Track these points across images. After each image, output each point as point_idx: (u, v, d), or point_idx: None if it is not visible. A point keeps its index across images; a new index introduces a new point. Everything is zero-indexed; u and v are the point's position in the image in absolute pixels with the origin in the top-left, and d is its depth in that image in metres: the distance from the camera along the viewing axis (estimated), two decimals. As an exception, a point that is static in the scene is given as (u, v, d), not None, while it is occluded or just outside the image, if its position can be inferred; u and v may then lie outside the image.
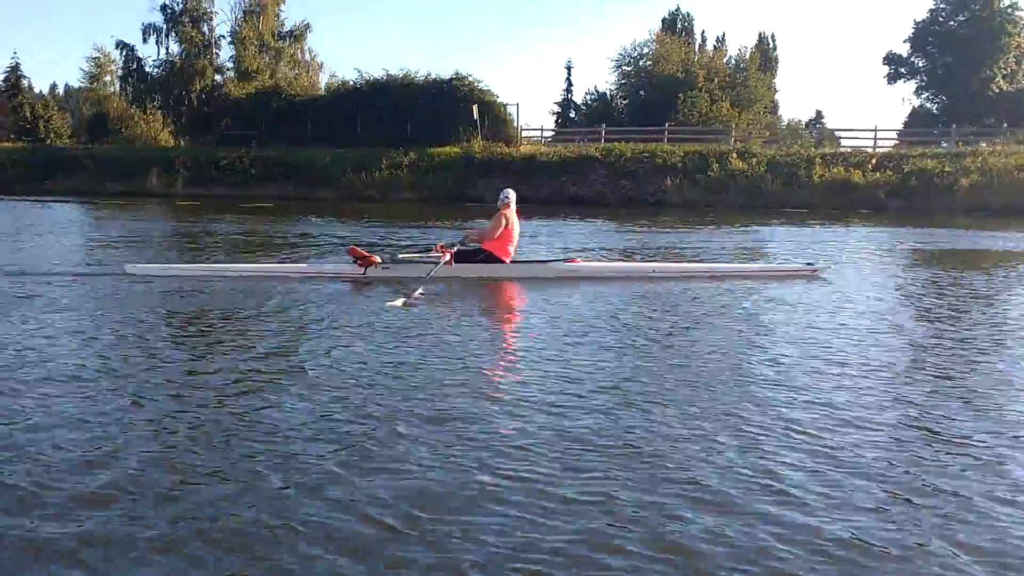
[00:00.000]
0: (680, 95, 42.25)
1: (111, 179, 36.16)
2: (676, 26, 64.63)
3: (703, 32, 64.57)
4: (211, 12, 42.11)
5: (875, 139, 34.00)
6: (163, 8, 41.54)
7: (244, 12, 42.68)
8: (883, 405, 4.95)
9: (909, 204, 27.56)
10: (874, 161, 29.71)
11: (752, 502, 3.48)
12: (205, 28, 42.12)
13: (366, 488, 3.52)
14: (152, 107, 42.06)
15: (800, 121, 65.11)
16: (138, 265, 10.15)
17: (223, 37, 42.97)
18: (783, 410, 4.77)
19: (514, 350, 6.43)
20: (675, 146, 32.92)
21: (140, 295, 8.51)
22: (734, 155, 30.95)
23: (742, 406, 4.84)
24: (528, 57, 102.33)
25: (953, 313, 8.37)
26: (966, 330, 7.42)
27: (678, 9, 64.19)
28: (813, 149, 32.10)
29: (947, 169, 28.42)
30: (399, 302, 8.05)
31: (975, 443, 4.29)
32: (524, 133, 38.68)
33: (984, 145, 30.48)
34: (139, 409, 4.58)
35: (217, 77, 42.03)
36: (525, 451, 4.00)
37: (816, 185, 29.31)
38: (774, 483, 3.69)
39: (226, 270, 10.28)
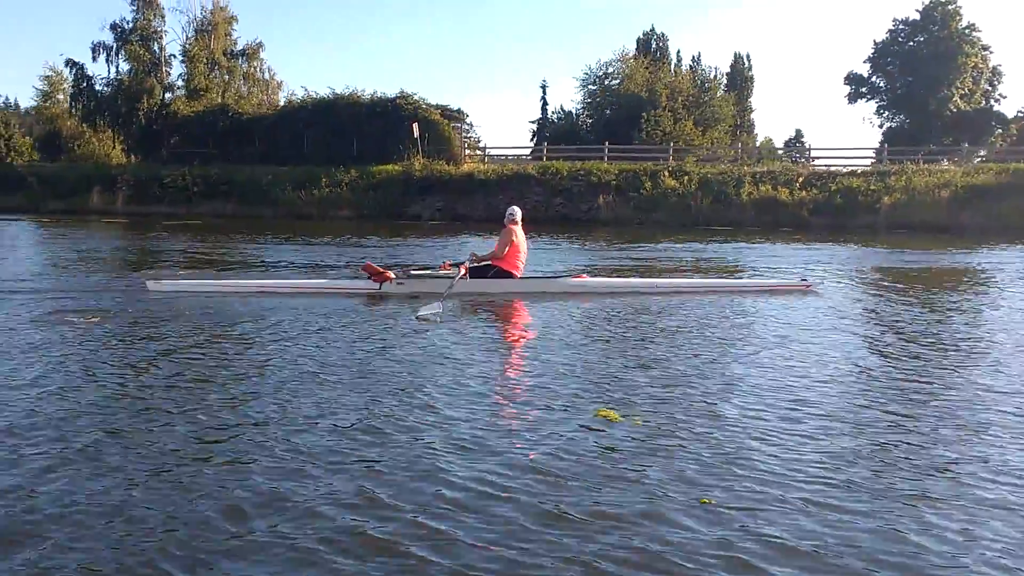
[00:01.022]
0: (644, 114, 42.70)
1: (54, 197, 36.58)
2: (650, 46, 65.44)
3: (678, 52, 65.30)
4: (161, 31, 42.68)
5: (847, 157, 34.64)
6: (113, 27, 42.14)
7: (196, 31, 43.21)
8: (863, 412, 5.22)
9: (832, 222, 28.06)
10: (801, 179, 30.19)
11: (739, 503, 3.69)
12: (155, 47, 42.58)
13: (382, 497, 3.67)
14: (102, 125, 42.46)
15: (771, 140, 65.87)
16: (160, 282, 10.39)
17: (174, 56, 43.51)
18: (781, 417, 5.04)
19: (526, 361, 6.68)
20: (612, 164, 33.44)
21: (162, 311, 8.72)
22: (666, 173, 31.43)
23: (743, 413, 5.08)
24: (506, 76, 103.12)
25: (929, 326, 8.70)
26: (945, 343, 7.76)
27: (652, 29, 64.95)
28: (745, 168, 32.57)
29: (872, 187, 28.94)
30: (430, 313, 8.45)
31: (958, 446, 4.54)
32: (492, 151, 39.54)
33: (910, 164, 30.96)
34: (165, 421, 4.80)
35: (167, 95, 42.46)
36: (535, 460, 4.19)
37: (744, 203, 29.82)
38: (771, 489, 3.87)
39: (247, 286, 10.56)
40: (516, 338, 7.89)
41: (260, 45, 44.90)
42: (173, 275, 11.92)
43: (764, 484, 3.90)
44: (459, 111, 65.20)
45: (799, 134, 64.01)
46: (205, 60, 42.06)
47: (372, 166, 35.26)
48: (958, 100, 52.31)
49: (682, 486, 3.87)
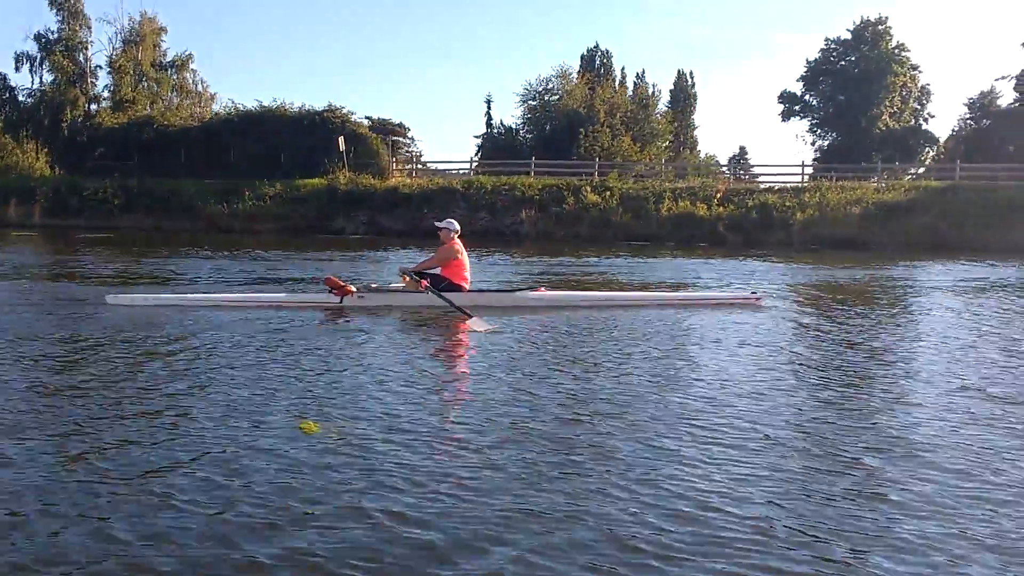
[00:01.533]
0: (582, 130, 43.12)
1: (-32, 209, 35.84)
2: (595, 62, 66.12)
3: (623, 68, 65.97)
4: (87, 42, 42.21)
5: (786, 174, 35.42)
6: (37, 37, 41.62)
7: (124, 42, 42.83)
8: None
9: (747, 238, 28.57)
10: (719, 195, 30.72)
11: (673, 504, 3.79)
12: (81, 57, 42.11)
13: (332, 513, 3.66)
14: (25, 137, 41.83)
15: (714, 156, 66.65)
16: (119, 296, 10.30)
17: (100, 67, 43.05)
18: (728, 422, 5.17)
19: (475, 376, 6.73)
20: (537, 179, 33.76)
21: (120, 323, 8.67)
22: (588, 188, 31.80)
23: (684, 422, 5.17)
24: (454, 91, 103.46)
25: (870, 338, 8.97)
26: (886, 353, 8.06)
27: (597, 46, 65.61)
28: (667, 183, 33.07)
29: (787, 204, 29.54)
30: (483, 327, 8.68)
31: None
32: (433, 165, 39.80)
33: (825, 181, 31.71)
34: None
35: (93, 107, 41.99)
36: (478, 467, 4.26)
37: (663, 218, 30.25)
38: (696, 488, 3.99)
39: (209, 299, 10.49)
40: (473, 353, 7.87)
41: (190, 57, 44.71)
42: (133, 289, 11.92)
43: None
44: (400, 125, 65.47)
45: (743, 151, 65.03)
46: (132, 71, 41.64)
47: (299, 179, 35.17)
48: (887, 119, 53.59)
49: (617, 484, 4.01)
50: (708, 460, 4.43)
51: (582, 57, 65.54)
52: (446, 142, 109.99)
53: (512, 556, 3.23)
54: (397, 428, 4.93)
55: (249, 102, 38.38)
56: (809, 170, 35.75)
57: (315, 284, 13.04)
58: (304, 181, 35.05)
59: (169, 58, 44.56)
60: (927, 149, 55.15)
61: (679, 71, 72.42)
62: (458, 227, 10.74)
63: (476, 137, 54.64)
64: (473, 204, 32.92)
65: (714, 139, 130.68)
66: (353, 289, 10.21)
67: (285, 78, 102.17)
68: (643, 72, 70.48)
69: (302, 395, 5.73)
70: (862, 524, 3.63)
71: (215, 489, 3.88)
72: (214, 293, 11.47)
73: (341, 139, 34.80)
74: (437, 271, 10.42)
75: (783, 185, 33.38)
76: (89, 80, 42.68)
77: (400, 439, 4.69)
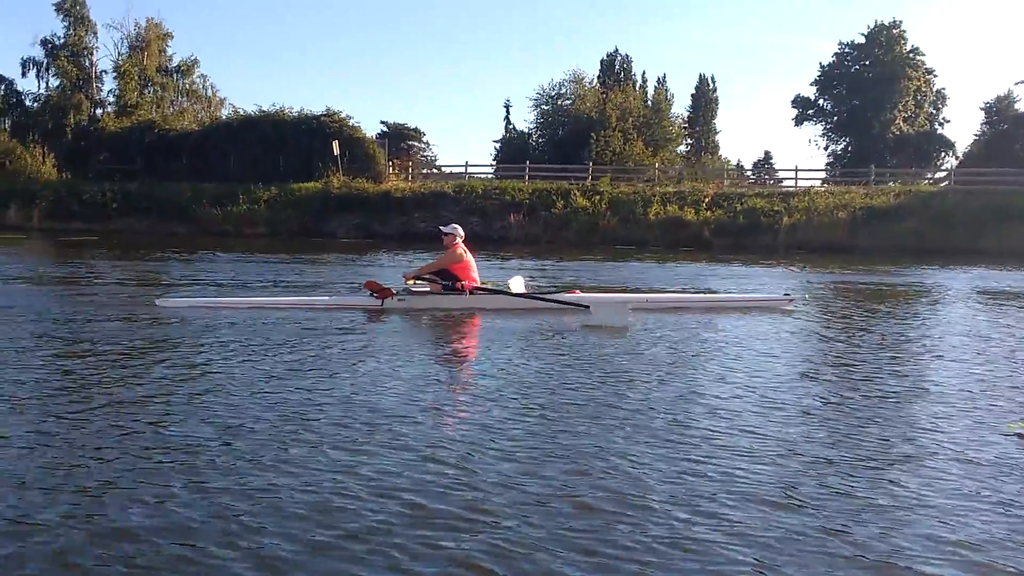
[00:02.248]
0: (593, 134, 43.23)
1: (-30, 212, 36.67)
2: (614, 67, 66.15)
3: (643, 73, 65.93)
4: (92, 47, 43.07)
5: (796, 178, 35.26)
6: (44, 42, 42.52)
7: (130, 47, 43.64)
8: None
9: (734, 242, 28.53)
10: (708, 200, 30.69)
11: (690, 501, 3.82)
12: (86, 62, 42.95)
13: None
14: (32, 141, 42.70)
15: (728, 160, 66.12)
16: (168, 299, 10.67)
17: (105, 72, 43.89)
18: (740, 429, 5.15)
19: (520, 377, 6.76)
20: (527, 184, 33.94)
21: (176, 328, 8.92)
22: (576, 192, 31.92)
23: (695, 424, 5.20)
24: (473, 95, 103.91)
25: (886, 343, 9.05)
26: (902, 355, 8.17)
27: (616, 50, 65.59)
28: (659, 188, 33.09)
29: (776, 208, 29.45)
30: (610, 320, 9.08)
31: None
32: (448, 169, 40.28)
33: (821, 186, 31.62)
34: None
35: (99, 111, 42.81)
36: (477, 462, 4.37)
37: (651, 223, 30.28)
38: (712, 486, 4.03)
39: (255, 302, 10.85)
40: (521, 356, 8.00)
41: (195, 62, 45.39)
42: (181, 293, 12.30)
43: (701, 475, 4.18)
44: (415, 129, 65.98)
45: (768, 155, 64.53)
46: (137, 77, 42.40)
47: (297, 183, 35.61)
48: (901, 123, 53.11)
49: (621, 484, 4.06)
50: (732, 463, 4.45)
51: (601, 62, 65.72)
52: (468, 147, 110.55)
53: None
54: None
55: (265, 106, 38.71)
56: (822, 175, 35.70)
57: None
58: (299, 185, 35.47)
59: (175, 63, 45.21)
60: (943, 154, 54.62)
61: (700, 75, 72.11)
62: (462, 232, 11.02)
63: (495, 142, 55.05)
64: (465, 208, 33.16)
65: (740, 143, 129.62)
66: (394, 292, 10.53)
67: (304, 84, 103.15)
68: (664, 77, 70.49)
69: (353, 394, 5.93)
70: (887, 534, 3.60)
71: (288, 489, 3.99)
72: (261, 296, 11.77)
73: (335, 143, 35.24)
74: (453, 277, 10.63)
75: (787, 189, 33.27)
76: (95, 85, 43.51)
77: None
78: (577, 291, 11.45)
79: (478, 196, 33.23)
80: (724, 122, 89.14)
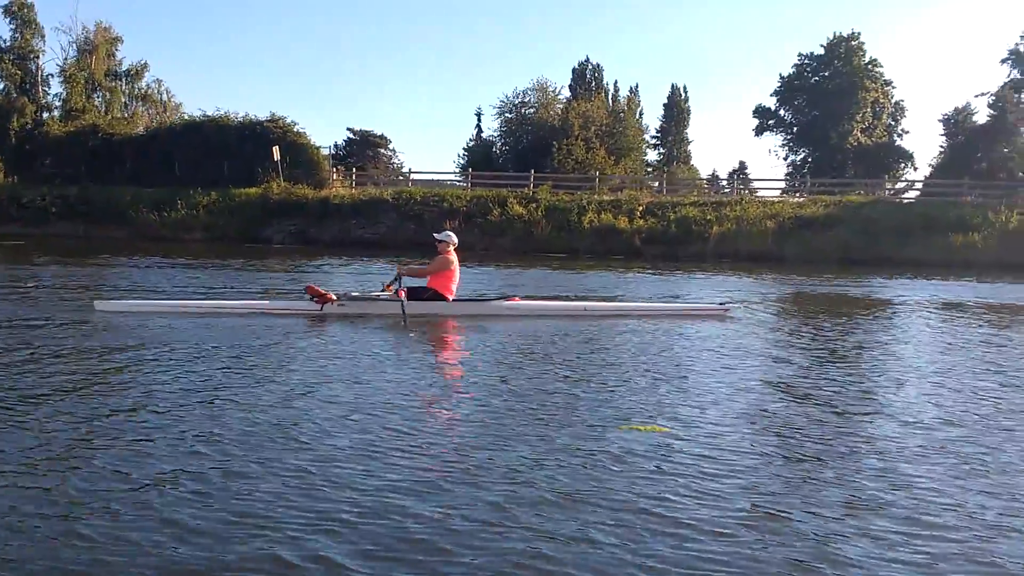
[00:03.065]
0: (555, 143, 43.53)
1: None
2: (585, 76, 66.49)
3: (615, 82, 66.31)
4: (39, 50, 43.02)
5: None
6: (-10, 45, 42.43)
7: (79, 51, 43.59)
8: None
9: (665, 251, 28.75)
10: (642, 208, 30.90)
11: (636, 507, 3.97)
12: (32, 66, 42.88)
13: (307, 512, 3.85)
14: (-27, 145, 42.43)
15: (697, 169, 66.23)
16: (107, 301, 10.74)
17: (52, 75, 43.84)
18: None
19: (455, 380, 7.17)
20: (465, 191, 34.10)
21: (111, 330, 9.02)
22: (513, 200, 32.09)
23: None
24: (446, 103, 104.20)
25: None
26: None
27: (587, 59, 65.95)
28: (594, 196, 33.30)
29: (708, 217, 29.69)
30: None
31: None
32: (416, 176, 40.32)
33: (760, 194, 31.91)
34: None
35: (45, 115, 42.71)
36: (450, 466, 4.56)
37: (585, 230, 30.46)
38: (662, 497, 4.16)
39: (193, 306, 10.95)
40: (447, 360, 8.41)
41: (145, 66, 45.38)
42: (119, 296, 12.42)
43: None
44: (382, 136, 66.08)
45: (743, 165, 64.76)
46: (82, 81, 42.35)
47: (241, 188, 35.62)
48: (859, 134, 53.59)
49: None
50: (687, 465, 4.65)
51: (573, 70, 66.11)
52: (442, 155, 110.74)
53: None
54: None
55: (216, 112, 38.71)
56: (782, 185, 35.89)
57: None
58: (240, 190, 35.48)
59: (124, 67, 45.16)
60: (903, 165, 55.12)
61: (672, 85, 72.53)
62: (455, 239, 11.25)
63: (466, 150, 55.05)
64: (403, 215, 33.31)
65: (714, 153, 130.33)
66: (334, 297, 10.68)
67: (272, 90, 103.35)
68: (636, 86, 70.83)
69: (296, 396, 6.12)
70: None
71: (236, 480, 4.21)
72: (200, 300, 11.90)
73: (276, 149, 35.29)
74: (425, 282, 11.00)
75: (720, 199, 33.46)
76: (41, 89, 43.40)
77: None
78: (517, 298, 11.81)
79: (416, 203, 33.35)
80: (697, 132, 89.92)
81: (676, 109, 72.55)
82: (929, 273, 22.91)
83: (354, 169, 41.64)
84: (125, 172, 38.57)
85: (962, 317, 13.25)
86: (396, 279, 10.84)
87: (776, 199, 31.67)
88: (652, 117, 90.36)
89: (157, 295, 13.15)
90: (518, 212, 31.67)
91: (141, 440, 4.90)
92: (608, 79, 66.55)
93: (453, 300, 11.02)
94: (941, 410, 6.20)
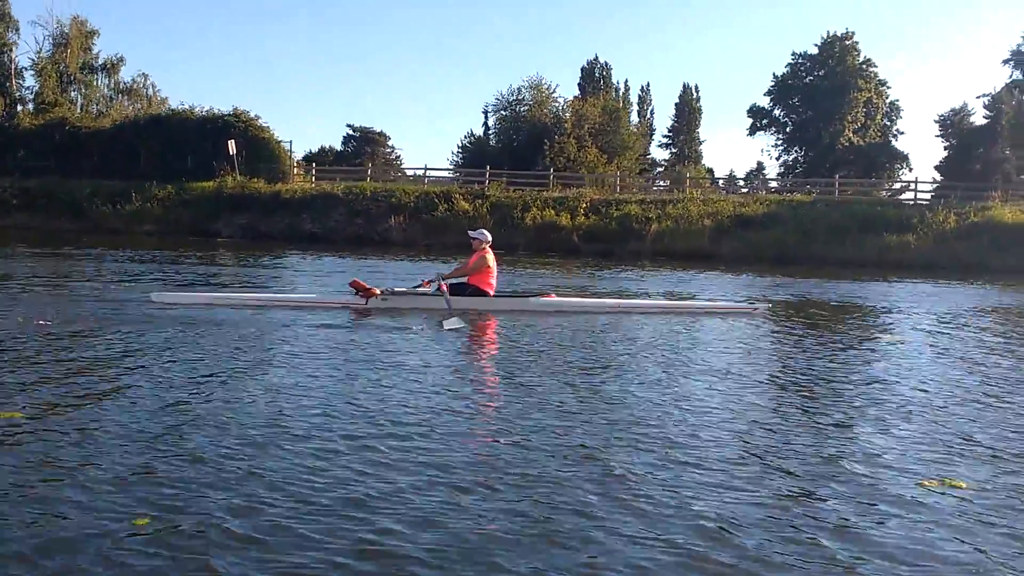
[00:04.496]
0: (546, 140, 43.62)
1: None
2: (594, 75, 66.59)
3: (625, 81, 66.34)
4: (13, 43, 43.80)
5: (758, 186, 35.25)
6: (-36, 38, 43.38)
7: (54, 44, 44.36)
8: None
9: (603, 248, 28.65)
10: (585, 206, 30.81)
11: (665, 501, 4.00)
12: (6, 59, 43.70)
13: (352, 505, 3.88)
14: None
15: (702, 169, 65.59)
16: (163, 294, 11.26)
17: (25, 69, 44.65)
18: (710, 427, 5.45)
19: (498, 373, 7.37)
20: (415, 187, 34.28)
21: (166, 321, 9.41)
22: (459, 196, 32.15)
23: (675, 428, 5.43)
24: (452, 100, 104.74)
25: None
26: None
27: (596, 58, 65.98)
28: (544, 193, 33.27)
29: (648, 215, 29.53)
30: (456, 325, 9.57)
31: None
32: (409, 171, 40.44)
33: (696, 192, 31.71)
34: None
35: (19, 108, 43.50)
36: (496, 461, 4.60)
37: (527, 227, 30.41)
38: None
39: (244, 299, 11.52)
40: (488, 352, 8.71)
41: (121, 60, 46.10)
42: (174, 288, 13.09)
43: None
44: (381, 133, 66.46)
45: (760, 166, 64.11)
46: (55, 74, 43.09)
47: (192, 182, 36.02)
48: (851, 134, 52.95)
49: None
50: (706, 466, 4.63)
51: (582, 69, 66.19)
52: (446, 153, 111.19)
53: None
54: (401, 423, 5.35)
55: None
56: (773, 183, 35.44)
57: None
58: (196, 184, 35.87)
59: (100, 61, 45.90)
60: (898, 166, 54.39)
61: (684, 84, 72.42)
62: (489, 237, 11.70)
63: (461, 147, 54.87)
64: (351, 210, 33.49)
65: (728, 153, 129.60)
66: (378, 292, 11.03)
67: (268, 88, 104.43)
68: (648, 85, 70.78)
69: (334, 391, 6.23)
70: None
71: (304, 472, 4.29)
72: (250, 293, 12.66)
73: (231, 143, 35.66)
74: (465, 279, 11.40)
75: (664, 198, 33.23)
76: (14, 81, 44.18)
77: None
78: (551, 294, 12.14)
79: (365, 198, 33.51)
80: (708, 131, 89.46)
81: (688, 108, 72.31)
82: (857, 273, 22.55)
83: (314, 164, 41.82)
84: (92, 165, 39.19)
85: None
86: (437, 279, 11.20)
87: (720, 199, 31.16)
88: (663, 116, 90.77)
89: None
90: (463, 208, 31.70)
91: (230, 419, 5.21)
92: (618, 78, 66.65)
93: (494, 295, 11.46)
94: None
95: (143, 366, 6.84)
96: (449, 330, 9.34)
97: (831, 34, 53.95)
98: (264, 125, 38.68)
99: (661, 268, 23.72)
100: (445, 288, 10.92)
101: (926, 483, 4.36)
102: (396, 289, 11.43)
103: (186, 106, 39.15)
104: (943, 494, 4.20)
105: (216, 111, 38.94)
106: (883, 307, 14.68)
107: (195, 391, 5.99)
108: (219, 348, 7.81)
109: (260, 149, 37.69)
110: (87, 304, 10.69)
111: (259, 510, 3.71)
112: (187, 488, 3.97)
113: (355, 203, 33.66)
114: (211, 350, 7.69)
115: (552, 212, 30.60)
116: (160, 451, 4.52)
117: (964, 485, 4.34)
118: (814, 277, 20.87)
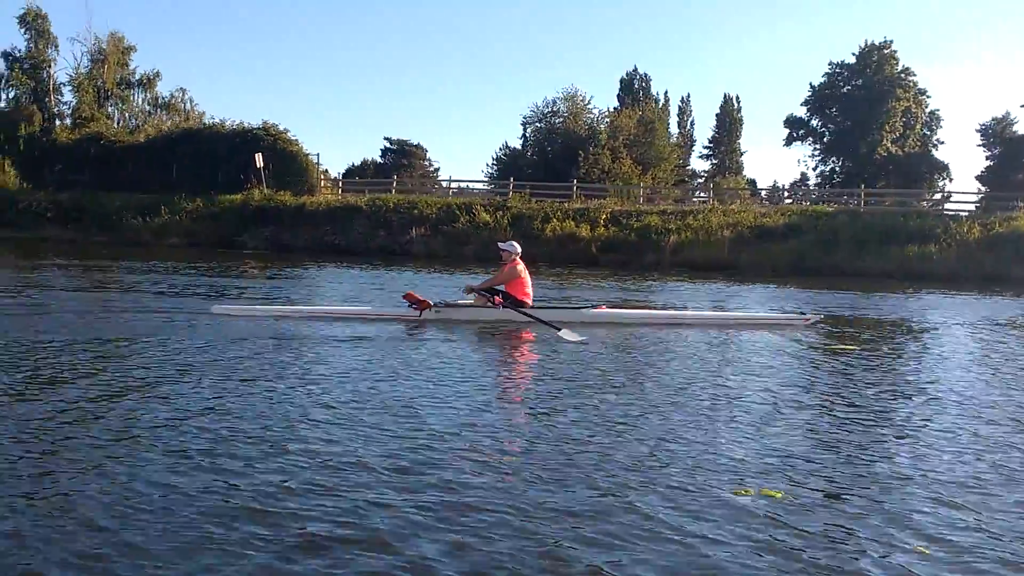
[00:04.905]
0: (581, 151, 43.70)
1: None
2: (633, 86, 66.50)
3: (665, 92, 66.22)
4: (52, 59, 44.99)
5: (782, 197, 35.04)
6: (5, 55, 44.59)
7: (91, 60, 45.49)
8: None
9: (622, 259, 28.56)
10: (605, 217, 30.74)
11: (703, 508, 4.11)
12: (44, 75, 44.84)
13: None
14: (-9, 152, 44.47)
15: (741, 180, 64.93)
16: (223, 306, 11.69)
17: (63, 84, 45.79)
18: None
19: (564, 388, 7.28)
20: (439, 199, 34.52)
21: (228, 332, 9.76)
22: (480, 208, 32.28)
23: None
24: (489, 113, 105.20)
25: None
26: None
27: (635, 69, 65.93)
28: (567, 205, 33.24)
29: (668, 226, 29.38)
30: (574, 337, 9.77)
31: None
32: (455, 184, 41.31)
33: (737, 203, 31.47)
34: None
35: (57, 122, 44.63)
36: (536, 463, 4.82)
37: (547, 239, 30.41)
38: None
39: (302, 311, 11.88)
40: (550, 368, 8.53)
41: (158, 75, 47.09)
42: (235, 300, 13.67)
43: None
44: (418, 146, 66.98)
45: (804, 177, 63.38)
46: (92, 89, 44.13)
47: (221, 195, 36.62)
48: (889, 144, 52.15)
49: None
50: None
51: (621, 81, 66.13)
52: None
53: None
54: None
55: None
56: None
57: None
58: (224, 197, 36.46)
59: (137, 76, 46.92)
60: (937, 176, 53.42)
61: (724, 95, 71.83)
62: (519, 248, 11.78)
63: (504, 157, 54.67)
64: (374, 223, 33.76)
65: (770, 164, 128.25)
66: (432, 304, 11.26)
67: (305, 102, 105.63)
68: (688, 96, 70.52)
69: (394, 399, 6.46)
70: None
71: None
72: (306, 306, 12.91)
73: (258, 156, 36.20)
74: (502, 288, 11.40)
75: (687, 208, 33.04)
76: (53, 97, 45.32)
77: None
78: (603, 306, 12.39)
79: (388, 210, 33.77)
80: (750, 142, 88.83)
81: (729, 119, 71.82)
82: (878, 286, 22.13)
83: (341, 177, 42.24)
84: (126, 178, 40.04)
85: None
86: (480, 295, 11.37)
87: (741, 210, 30.92)
88: (703, 127, 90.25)
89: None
90: (484, 220, 31.80)
91: (289, 427, 5.45)
92: (658, 89, 66.42)
93: (534, 307, 11.39)
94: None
95: (219, 374, 7.11)
96: (569, 342, 9.50)
97: (869, 43, 53.29)
98: (293, 138, 39.31)
99: (681, 279, 23.57)
100: (499, 301, 11.06)
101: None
102: (449, 301, 11.60)
103: (217, 120, 39.76)
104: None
105: (247, 124, 39.62)
106: (925, 320, 14.51)
107: (282, 403, 6.17)
108: (283, 359, 8.04)
109: (288, 162, 38.23)
110: (151, 317, 10.90)
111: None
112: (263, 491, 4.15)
113: (378, 215, 33.94)
114: (277, 361, 7.92)
115: (572, 223, 30.56)
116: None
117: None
118: (838, 289, 20.58)
